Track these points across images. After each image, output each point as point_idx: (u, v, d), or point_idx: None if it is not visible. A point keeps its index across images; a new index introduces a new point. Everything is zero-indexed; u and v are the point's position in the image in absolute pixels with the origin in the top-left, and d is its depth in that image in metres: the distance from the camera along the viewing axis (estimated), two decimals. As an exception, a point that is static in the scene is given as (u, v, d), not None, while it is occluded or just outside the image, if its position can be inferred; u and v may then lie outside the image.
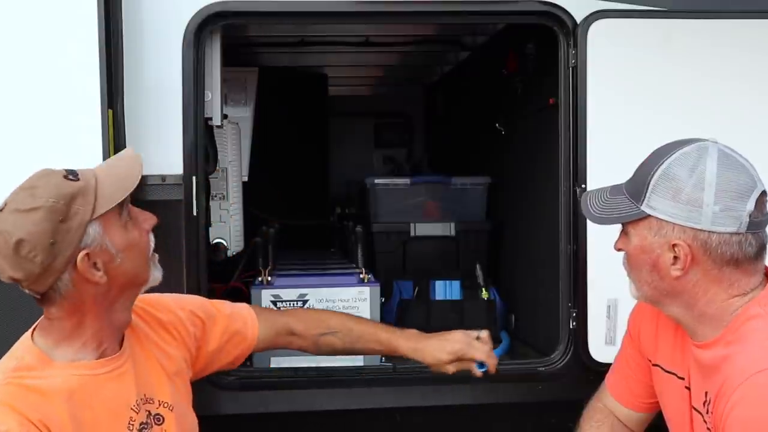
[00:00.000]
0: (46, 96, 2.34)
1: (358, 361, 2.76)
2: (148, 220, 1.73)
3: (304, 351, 2.17)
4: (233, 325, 2.02)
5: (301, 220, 4.21)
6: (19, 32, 2.33)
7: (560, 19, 2.54)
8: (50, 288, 1.61)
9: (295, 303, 2.75)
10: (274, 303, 2.75)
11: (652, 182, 1.64)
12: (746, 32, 2.55)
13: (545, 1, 2.54)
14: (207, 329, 1.98)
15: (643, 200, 1.65)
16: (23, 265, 1.56)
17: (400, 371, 2.72)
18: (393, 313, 3.19)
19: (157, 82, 2.45)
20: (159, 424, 1.78)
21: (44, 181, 1.60)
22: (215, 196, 2.97)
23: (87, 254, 1.60)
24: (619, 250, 1.77)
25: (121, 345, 1.75)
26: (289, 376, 2.67)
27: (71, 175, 1.61)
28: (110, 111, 2.30)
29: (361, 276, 2.84)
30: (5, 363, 1.66)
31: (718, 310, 1.66)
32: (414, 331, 2.17)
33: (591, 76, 2.53)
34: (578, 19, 2.52)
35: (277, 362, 2.73)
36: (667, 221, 1.63)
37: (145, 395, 1.77)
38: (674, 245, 1.63)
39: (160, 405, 1.80)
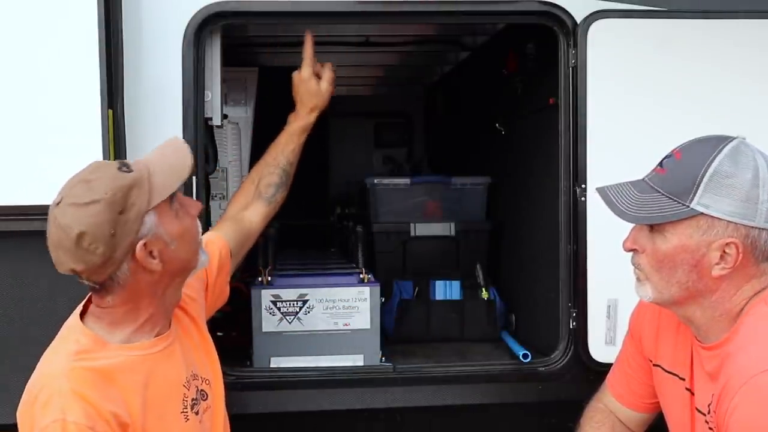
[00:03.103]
0: (46, 96, 2.34)
1: (358, 361, 2.76)
2: (195, 206, 1.78)
3: (268, 216, 2.41)
4: (214, 258, 2.12)
5: (301, 220, 4.21)
6: (19, 32, 2.32)
7: (560, 19, 2.54)
8: (108, 278, 1.65)
9: (295, 303, 2.75)
10: (274, 303, 2.74)
11: (704, 180, 1.61)
12: (746, 32, 2.55)
13: (545, 1, 2.53)
14: (209, 277, 2.12)
15: (693, 198, 1.62)
16: (85, 257, 1.60)
17: (400, 371, 2.72)
18: (393, 313, 3.19)
19: (157, 82, 2.44)
20: (204, 400, 1.85)
21: (100, 173, 1.64)
22: (215, 196, 2.98)
23: (144, 243, 1.65)
24: (630, 250, 1.74)
25: (170, 324, 1.81)
26: (289, 376, 2.67)
27: (124, 167, 1.65)
28: (110, 111, 2.30)
29: (361, 276, 2.84)
30: (63, 347, 1.68)
31: (739, 306, 1.66)
32: (300, 110, 2.48)
33: (591, 76, 2.53)
34: (578, 19, 2.52)
35: (277, 362, 2.73)
36: (720, 219, 1.61)
37: (192, 372, 1.83)
38: (727, 244, 1.61)
39: (203, 381, 1.86)
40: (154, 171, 1.68)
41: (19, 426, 1.63)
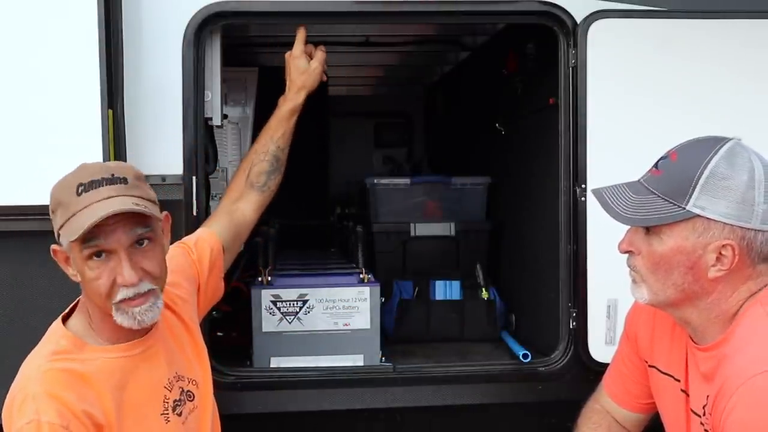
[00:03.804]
0: (46, 96, 2.34)
1: (358, 361, 2.76)
2: (126, 277, 1.63)
3: (262, 205, 2.38)
4: (204, 257, 2.11)
5: (301, 220, 4.21)
6: (19, 32, 2.33)
7: (560, 19, 2.54)
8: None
9: (295, 303, 2.75)
10: (274, 303, 2.74)
11: (700, 182, 1.60)
12: (746, 32, 2.55)
13: (545, 1, 2.54)
14: (200, 276, 2.10)
15: (689, 200, 1.61)
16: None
17: (400, 371, 2.72)
18: (393, 313, 3.19)
19: (157, 82, 2.44)
20: (191, 401, 1.84)
21: (65, 180, 1.67)
22: (215, 196, 2.97)
23: (59, 251, 1.70)
24: (626, 252, 1.73)
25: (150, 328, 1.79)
26: (289, 376, 2.67)
27: (81, 188, 1.63)
28: (110, 111, 2.30)
29: (361, 276, 2.84)
30: (42, 348, 1.71)
31: (735, 308, 1.65)
32: (289, 91, 2.46)
33: (591, 76, 2.53)
34: (578, 19, 2.52)
35: (277, 362, 2.74)
36: (716, 221, 1.60)
37: (176, 373, 1.82)
38: (723, 245, 1.60)
39: (189, 382, 1.85)
40: (83, 213, 1.60)
41: (3, 426, 1.66)
